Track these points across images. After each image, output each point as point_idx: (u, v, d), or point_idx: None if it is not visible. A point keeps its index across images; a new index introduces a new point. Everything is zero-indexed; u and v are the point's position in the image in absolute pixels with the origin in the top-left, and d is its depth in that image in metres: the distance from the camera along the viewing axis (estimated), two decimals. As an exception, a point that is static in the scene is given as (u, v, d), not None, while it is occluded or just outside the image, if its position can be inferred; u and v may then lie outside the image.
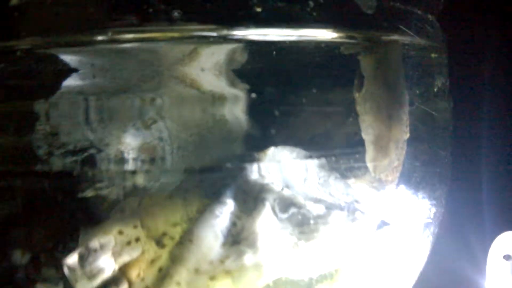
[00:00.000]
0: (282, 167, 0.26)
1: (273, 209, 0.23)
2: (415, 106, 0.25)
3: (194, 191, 0.24)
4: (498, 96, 0.38)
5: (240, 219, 0.23)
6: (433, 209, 0.28)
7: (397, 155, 0.23)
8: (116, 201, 0.24)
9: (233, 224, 0.23)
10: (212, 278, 0.22)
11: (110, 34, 0.21)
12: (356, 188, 0.27)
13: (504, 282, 0.31)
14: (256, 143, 0.26)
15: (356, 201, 0.26)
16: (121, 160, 0.23)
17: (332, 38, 0.22)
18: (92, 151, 0.23)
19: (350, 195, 0.27)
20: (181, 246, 0.22)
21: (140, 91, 0.24)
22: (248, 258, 0.22)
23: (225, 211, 0.22)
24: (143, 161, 0.24)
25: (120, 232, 0.22)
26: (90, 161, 0.23)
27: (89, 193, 0.23)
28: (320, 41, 0.22)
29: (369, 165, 0.23)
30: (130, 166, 0.23)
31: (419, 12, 0.26)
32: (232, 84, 0.25)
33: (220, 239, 0.22)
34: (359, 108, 0.22)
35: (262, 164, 0.25)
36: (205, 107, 0.25)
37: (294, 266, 0.23)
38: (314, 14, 0.20)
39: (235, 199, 0.23)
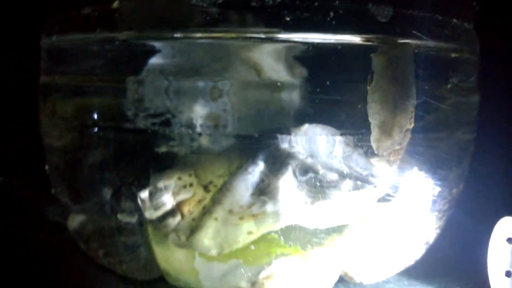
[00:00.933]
0: (311, 140, 0.31)
1: (294, 172, 0.30)
2: (423, 99, 0.29)
3: (236, 152, 0.30)
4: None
5: (268, 177, 0.29)
6: (437, 188, 0.32)
7: (400, 139, 0.28)
8: (183, 155, 0.31)
9: (262, 180, 0.29)
10: (241, 218, 0.29)
11: (185, 33, 0.28)
12: (375, 165, 0.33)
13: (507, 263, 0.34)
14: (296, 119, 0.31)
15: (372, 175, 0.31)
16: (191, 125, 0.29)
17: (351, 41, 0.27)
18: (168, 116, 0.30)
19: (367, 169, 0.32)
20: (220, 192, 0.29)
21: (210, 69, 0.30)
22: (269, 206, 0.29)
23: (256, 170, 0.29)
24: (208, 127, 0.29)
25: (179, 178, 0.30)
26: (166, 124, 0.30)
27: (163, 148, 0.31)
28: (342, 43, 0.28)
29: (373, 144, 0.28)
30: (197, 130, 0.29)
31: (439, 17, 0.30)
32: (290, 68, 0.30)
33: (250, 190, 0.29)
34: (368, 98, 0.28)
35: (293, 137, 0.31)
36: (264, 87, 0.30)
37: (306, 218, 0.30)
38: (334, 22, 0.26)
39: (266, 161, 0.30)
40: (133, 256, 0.33)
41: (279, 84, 0.30)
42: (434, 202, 0.33)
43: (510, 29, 0.41)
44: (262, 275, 0.30)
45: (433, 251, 0.36)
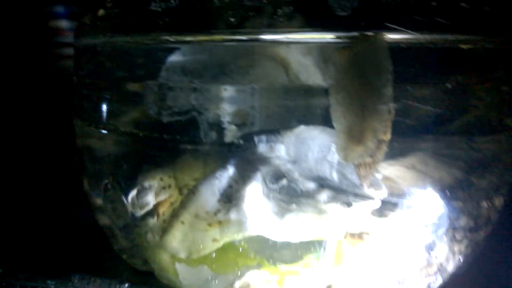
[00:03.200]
0: (301, 144, 0.29)
1: (264, 179, 0.27)
2: (403, 102, 0.24)
3: (214, 156, 0.30)
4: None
5: (237, 183, 0.28)
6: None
7: (373, 148, 0.24)
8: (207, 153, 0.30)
9: (230, 186, 0.28)
10: (209, 224, 0.28)
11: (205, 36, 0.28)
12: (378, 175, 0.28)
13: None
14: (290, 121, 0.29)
15: (358, 188, 0.27)
16: (217, 123, 0.29)
17: (314, 38, 0.24)
18: (194, 113, 0.29)
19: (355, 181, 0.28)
20: (187, 196, 0.29)
21: (236, 66, 0.29)
22: (233, 214, 0.27)
23: (224, 175, 0.28)
24: (236, 125, 0.29)
25: (161, 179, 0.31)
26: (192, 121, 0.29)
27: (188, 146, 0.31)
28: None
29: (340, 153, 0.24)
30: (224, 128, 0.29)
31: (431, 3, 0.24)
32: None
33: (216, 196, 0.28)
34: (331, 99, 0.24)
35: (279, 139, 0.29)
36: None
37: (275, 230, 0.27)
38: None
39: (237, 166, 0.28)
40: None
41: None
42: (445, 221, 0.27)
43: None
44: (236, 285, 0.29)
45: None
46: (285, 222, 0.27)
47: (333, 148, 0.27)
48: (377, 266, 0.28)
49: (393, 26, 0.23)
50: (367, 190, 0.27)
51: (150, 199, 0.31)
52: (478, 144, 0.29)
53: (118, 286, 0.35)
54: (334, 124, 0.24)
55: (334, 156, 0.28)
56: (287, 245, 0.27)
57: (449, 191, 0.29)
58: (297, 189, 0.27)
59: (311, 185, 0.27)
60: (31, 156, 0.53)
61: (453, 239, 0.29)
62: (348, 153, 0.24)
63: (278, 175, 0.27)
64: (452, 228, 0.28)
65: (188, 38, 0.29)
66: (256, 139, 0.29)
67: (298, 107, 0.30)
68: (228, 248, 0.28)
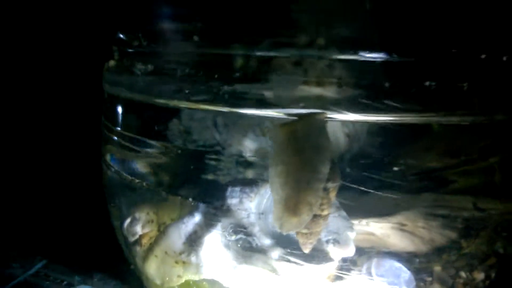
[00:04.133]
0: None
1: (224, 230, 0.30)
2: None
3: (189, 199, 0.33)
4: None
5: (202, 229, 0.31)
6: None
7: (307, 219, 0.25)
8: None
9: (195, 231, 0.31)
10: (176, 261, 0.32)
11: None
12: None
13: None
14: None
15: (336, 241, 0.29)
16: (239, 158, 0.31)
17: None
18: (217, 148, 0.32)
19: (336, 234, 0.29)
20: (160, 234, 0.33)
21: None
22: (193, 258, 0.31)
23: (191, 221, 0.32)
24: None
25: (147, 213, 0.35)
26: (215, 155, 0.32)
27: (210, 176, 0.34)
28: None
29: (276, 222, 0.26)
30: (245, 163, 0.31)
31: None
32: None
33: (182, 239, 0.32)
34: (270, 170, 0.26)
35: (250, 191, 0.31)
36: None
37: (229, 279, 0.30)
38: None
39: (204, 214, 0.32)
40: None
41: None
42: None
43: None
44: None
45: None
46: (239, 272, 0.30)
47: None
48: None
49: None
50: (332, 248, 0.29)
51: (138, 229, 0.35)
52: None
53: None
54: (272, 194, 0.26)
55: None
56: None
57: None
58: (253, 243, 0.30)
59: (266, 241, 0.29)
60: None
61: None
62: (284, 223, 0.25)
63: (237, 228, 0.30)
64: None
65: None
66: (229, 190, 0.31)
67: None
68: (192, 285, 0.32)
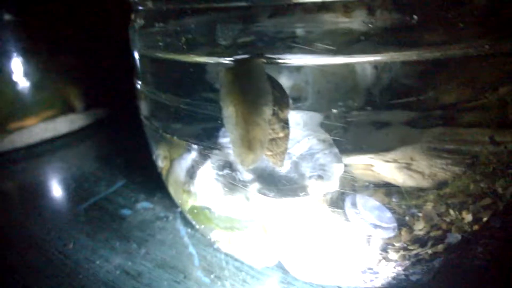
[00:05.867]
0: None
1: (213, 165, 0.34)
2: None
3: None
4: None
5: (198, 164, 0.36)
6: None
7: (262, 153, 0.27)
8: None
9: (192, 166, 0.36)
10: (182, 190, 0.37)
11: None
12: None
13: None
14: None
15: (321, 176, 0.30)
16: None
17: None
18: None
19: (323, 170, 0.30)
20: (169, 167, 0.38)
21: None
22: (192, 187, 0.36)
23: (189, 157, 0.36)
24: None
25: (163, 151, 0.41)
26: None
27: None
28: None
29: (237, 159, 0.28)
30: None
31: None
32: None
33: (183, 171, 0.36)
34: (223, 112, 0.27)
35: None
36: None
37: (218, 205, 0.35)
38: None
39: (199, 151, 0.35)
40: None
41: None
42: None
43: None
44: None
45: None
46: (225, 201, 0.34)
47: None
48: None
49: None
50: (313, 183, 0.30)
51: (160, 163, 0.41)
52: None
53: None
54: (228, 134, 0.28)
55: (303, 146, 0.31)
56: (225, 218, 0.35)
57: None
58: (236, 177, 0.33)
59: (248, 176, 0.32)
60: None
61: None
62: (243, 160, 0.28)
63: (223, 165, 0.33)
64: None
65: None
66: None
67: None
68: (195, 209, 0.37)
